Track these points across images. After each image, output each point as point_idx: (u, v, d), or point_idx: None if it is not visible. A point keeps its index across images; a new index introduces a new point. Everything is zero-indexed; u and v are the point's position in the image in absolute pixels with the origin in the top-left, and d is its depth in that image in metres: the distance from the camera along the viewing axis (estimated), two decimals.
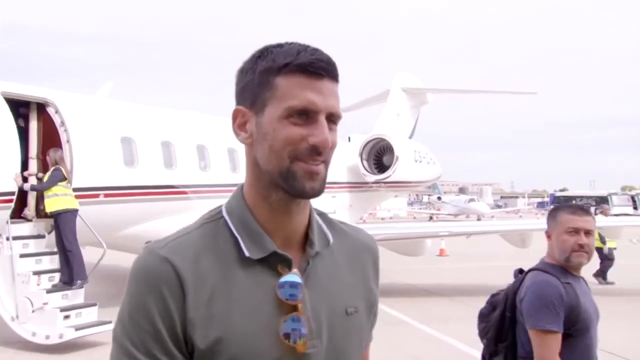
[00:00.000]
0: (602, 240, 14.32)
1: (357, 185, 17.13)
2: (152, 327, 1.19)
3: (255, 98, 1.25)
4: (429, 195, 54.26)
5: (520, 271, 3.12)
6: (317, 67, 1.22)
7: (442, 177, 23.13)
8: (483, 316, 3.17)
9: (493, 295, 3.21)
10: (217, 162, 12.47)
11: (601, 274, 14.32)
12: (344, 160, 16.54)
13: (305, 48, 1.24)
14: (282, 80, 1.22)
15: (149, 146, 11.03)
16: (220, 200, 1.38)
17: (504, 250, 15.90)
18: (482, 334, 3.14)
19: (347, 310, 1.30)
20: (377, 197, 19.12)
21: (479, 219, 44.66)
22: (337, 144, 1.25)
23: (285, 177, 1.21)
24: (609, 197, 64.04)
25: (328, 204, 15.76)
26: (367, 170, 16.99)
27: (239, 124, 1.29)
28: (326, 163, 1.24)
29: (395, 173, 16.76)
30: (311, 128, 1.21)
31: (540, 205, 78.86)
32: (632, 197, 65.46)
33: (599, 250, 14.09)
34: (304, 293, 1.23)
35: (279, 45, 1.27)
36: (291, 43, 1.27)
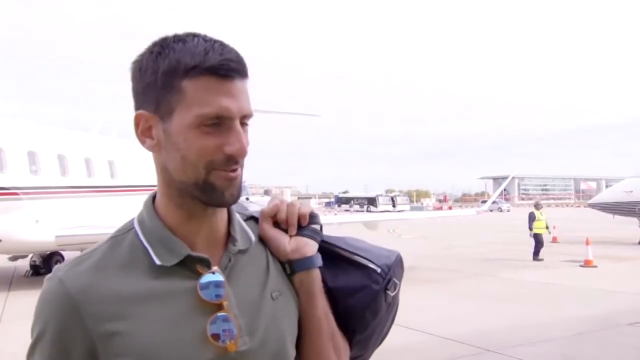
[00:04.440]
0: (530, 226, 15.59)
1: None
2: (49, 355, 0.97)
3: (159, 102, 0.97)
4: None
5: None
6: (227, 68, 0.95)
7: (250, 181, 23.70)
8: None
9: None
10: None
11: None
12: None
13: (212, 46, 0.96)
14: (190, 84, 0.94)
15: None
16: None
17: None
18: None
19: (272, 295, 1.06)
20: None
21: None
22: (249, 143, 1.01)
23: (203, 189, 0.98)
24: (376, 198, 70.18)
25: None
26: None
27: (143, 130, 1.00)
28: (242, 166, 1.01)
29: None
30: (225, 136, 0.96)
31: (328, 204, 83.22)
32: (392, 198, 72.54)
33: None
34: (228, 290, 1.00)
35: (181, 40, 0.97)
36: (193, 36, 0.97)
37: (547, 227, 15.94)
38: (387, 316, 1.20)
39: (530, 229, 15.72)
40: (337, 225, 13.92)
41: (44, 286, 0.99)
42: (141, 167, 15.50)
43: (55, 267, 1.02)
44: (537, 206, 16.59)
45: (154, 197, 1.07)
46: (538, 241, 15.52)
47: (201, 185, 0.98)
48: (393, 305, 1.21)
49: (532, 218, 15.84)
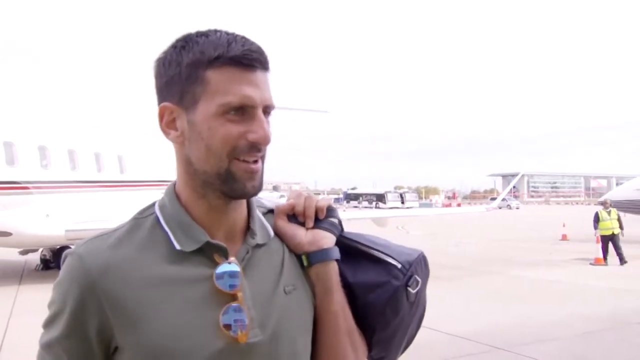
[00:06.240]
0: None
1: None
2: (65, 330, 0.98)
3: (183, 93, 0.98)
4: None
5: None
6: (250, 58, 0.97)
7: None
8: None
9: None
10: None
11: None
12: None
13: (235, 38, 0.98)
14: (214, 74, 0.96)
15: None
16: None
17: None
18: None
19: (285, 289, 1.06)
20: None
21: None
22: (272, 133, 1.01)
23: (225, 179, 0.98)
24: (385, 194, 70.15)
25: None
26: None
27: (167, 122, 1.01)
28: (263, 158, 1.01)
29: None
30: (249, 124, 0.97)
31: (336, 200, 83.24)
32: (401, 195, 72.53)
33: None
34: (243, 282, 1.00)
35: (203, 34, 0.99)
36: (216, 31, 1.00)
37: (620, 227, 14.05)
38: (411, 316, 1.17)
39: (596, 229, 14.07)
40: (345, 221, 13.79)
41: (65, 262, 1.01)
42: (150, 162, 15.59)
43: (77, 243, 1.02)
44: (605, 204, 14.45)
45: (174, 185, 1.07)
46: (605, 243, 13.91)
47: (223, 175, 0.98)
48: (417, 305, 1.17)
49: (596, 218, 14.09)
